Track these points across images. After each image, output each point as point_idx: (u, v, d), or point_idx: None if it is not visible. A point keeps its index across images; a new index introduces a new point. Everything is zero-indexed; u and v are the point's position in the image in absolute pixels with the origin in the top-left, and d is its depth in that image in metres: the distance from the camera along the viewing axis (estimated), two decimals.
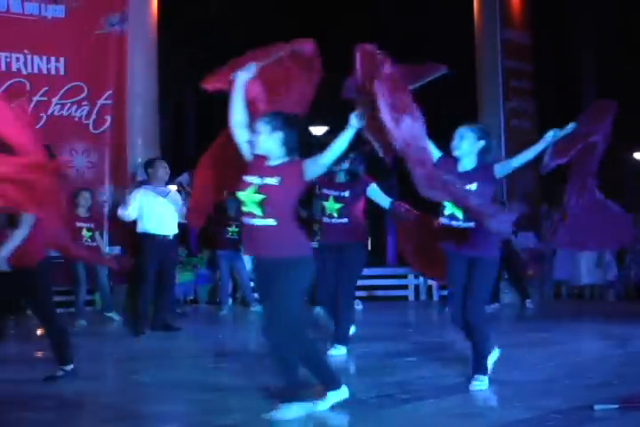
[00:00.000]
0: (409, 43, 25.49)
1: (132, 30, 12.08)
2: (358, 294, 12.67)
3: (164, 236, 9.59)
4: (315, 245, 7.48)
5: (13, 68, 11.56)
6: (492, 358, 6.38)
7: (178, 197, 9.88)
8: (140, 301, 9.64)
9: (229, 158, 5.75)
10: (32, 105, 11.24)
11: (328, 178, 7.75)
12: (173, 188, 10.71)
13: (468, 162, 6.15)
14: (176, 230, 9.75)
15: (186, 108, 26.69)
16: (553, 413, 5.13)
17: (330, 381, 5.42)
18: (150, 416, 5.51)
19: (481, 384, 6.02)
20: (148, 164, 10.05)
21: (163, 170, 9.80)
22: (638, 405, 5.28)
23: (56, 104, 11.68)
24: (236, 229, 11.98)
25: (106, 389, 6.44)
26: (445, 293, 14.54)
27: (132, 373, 7.06)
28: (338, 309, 7.79)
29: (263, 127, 5.22)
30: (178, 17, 19.71)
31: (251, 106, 5.56)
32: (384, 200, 7.84)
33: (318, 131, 20.60)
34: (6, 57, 11.52)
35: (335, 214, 7.77)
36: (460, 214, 6.04)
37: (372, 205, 8.01)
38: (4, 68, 11.49)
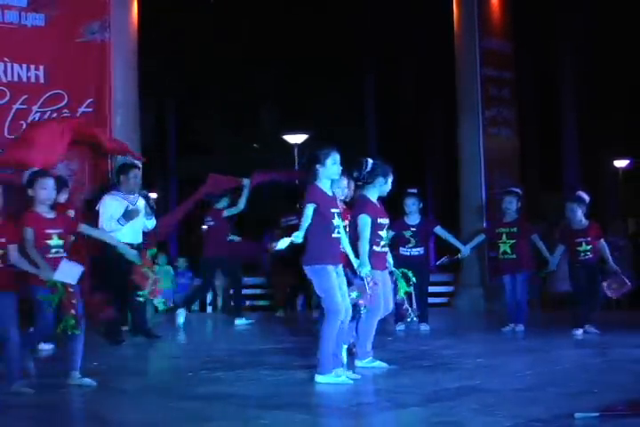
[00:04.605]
0: (388, 53, 25.63)
1: (113, 39, 12.08)
2: None
3: (131, 244, 9.29)
4: None
5: None
6: None
7: (143, 206, 9.87)
8: (115, 309, 9.47)
9: None
10: (12, 113, 11.22)
11: None
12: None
13: None
14: (141, 239, 9.80)
15: (167, 121, 26.70)
16: (534, 421, 5.14)
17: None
18: (130, 425, 5.49)
19: None
20: (121, 169, 10.07)
21: (133, 180, 9.84)
22: (619, 413, 5.29)
23: (36, 112, 11.60)
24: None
25: (86, 398, 6.40)
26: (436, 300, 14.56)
27: (112, 381, 7.03)
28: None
29: None
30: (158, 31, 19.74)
31: None
32: None
33: (297, 139, 20.45)
34: None
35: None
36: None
37: None
38: None
